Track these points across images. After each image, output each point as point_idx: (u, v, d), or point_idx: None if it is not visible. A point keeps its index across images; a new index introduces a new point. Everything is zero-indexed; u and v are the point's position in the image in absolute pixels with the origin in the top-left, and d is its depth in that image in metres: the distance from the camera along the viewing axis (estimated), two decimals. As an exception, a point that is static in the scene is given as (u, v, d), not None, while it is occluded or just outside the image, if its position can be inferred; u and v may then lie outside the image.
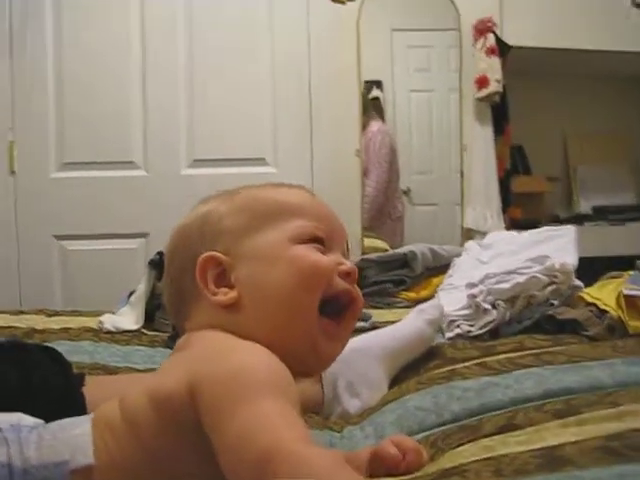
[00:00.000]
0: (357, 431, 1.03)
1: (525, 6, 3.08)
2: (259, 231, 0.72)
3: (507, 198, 3.18)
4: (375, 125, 3.24)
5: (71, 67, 2.90)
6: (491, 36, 3.03)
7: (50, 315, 1.71)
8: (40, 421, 0.69)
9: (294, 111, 3.01)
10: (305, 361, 0.72)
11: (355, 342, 1.20)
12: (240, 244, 0.72)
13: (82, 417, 0.69)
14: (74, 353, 1.34)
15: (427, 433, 0.97)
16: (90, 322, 1.61)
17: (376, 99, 3.38)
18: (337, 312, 0.73)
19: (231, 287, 0.71)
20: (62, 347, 1.35)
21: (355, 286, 0.74)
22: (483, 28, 3.03)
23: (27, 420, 0.68)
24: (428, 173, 3.46)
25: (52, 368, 1.02)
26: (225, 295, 0.70)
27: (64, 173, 2.91)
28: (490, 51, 3.01)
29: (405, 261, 1.90)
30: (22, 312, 1.73)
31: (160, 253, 1.68)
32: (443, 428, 0.98)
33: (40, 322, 1.60)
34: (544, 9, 3.07)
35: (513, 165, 3.38)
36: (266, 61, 2.99)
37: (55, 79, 2.90)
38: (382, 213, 3.27)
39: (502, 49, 3.04)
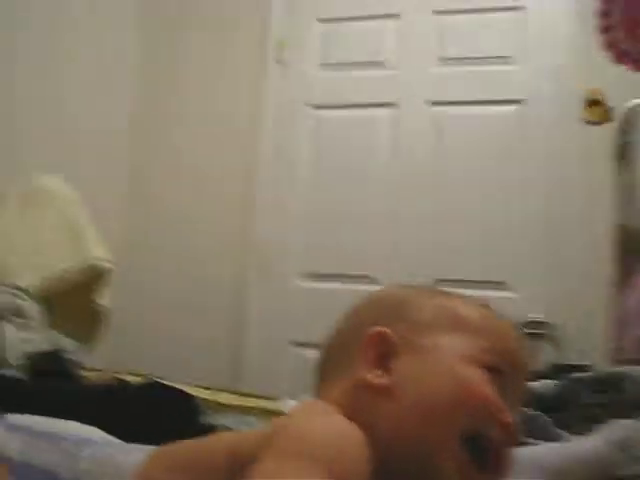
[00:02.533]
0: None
1: None
2: (446, 334, 0.68)
3: None
4: None
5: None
6: None
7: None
8: (109, 438, 0.72)
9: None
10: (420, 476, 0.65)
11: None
12: (421, 337, 0.68)
13: (143, 447, 0.71)
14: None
15: None
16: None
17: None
18: (480, 455, 0.64)
19: (387, 373, 0.66)
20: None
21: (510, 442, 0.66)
22: None
23: (97, 435, 0.72)
24: None
25: (187, 415, 1.07)
26: (378, 378, 0.65)
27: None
28: None
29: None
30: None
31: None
32: None
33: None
34: None
35: None
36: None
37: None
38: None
39: None
